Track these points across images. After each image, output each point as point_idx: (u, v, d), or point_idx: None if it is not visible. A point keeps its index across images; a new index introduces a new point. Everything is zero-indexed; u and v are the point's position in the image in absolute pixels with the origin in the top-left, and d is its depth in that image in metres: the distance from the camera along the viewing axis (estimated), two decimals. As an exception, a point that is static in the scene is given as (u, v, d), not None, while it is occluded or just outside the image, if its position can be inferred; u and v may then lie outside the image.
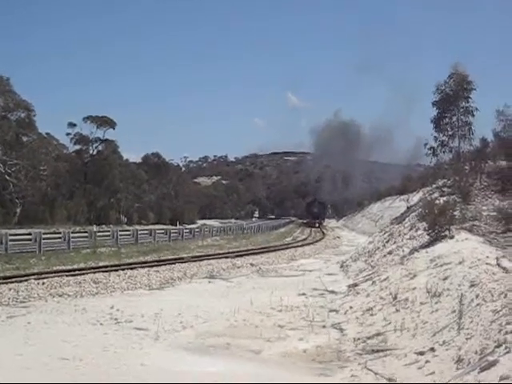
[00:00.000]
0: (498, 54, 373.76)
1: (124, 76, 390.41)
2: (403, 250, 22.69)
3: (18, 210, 73.06)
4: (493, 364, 7.92)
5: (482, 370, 7.97)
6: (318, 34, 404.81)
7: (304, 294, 19.37)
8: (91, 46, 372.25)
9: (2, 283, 20.67)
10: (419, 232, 23.96)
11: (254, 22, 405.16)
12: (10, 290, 19.50)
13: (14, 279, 21.75)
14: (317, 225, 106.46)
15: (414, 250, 20.57)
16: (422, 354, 10.10)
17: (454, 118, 32.62)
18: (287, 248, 46.03)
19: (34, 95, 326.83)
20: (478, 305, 10.94)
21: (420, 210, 25.39)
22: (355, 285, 19.57)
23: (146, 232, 53.12)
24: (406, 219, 30.82)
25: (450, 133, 32.64)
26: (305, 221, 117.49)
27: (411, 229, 26.62)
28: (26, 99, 76.65)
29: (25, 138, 76.46)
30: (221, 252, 38.68)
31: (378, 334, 12.24)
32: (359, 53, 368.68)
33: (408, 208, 35.63)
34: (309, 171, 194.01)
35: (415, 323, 12.03)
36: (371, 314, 14.36)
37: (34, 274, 23.13)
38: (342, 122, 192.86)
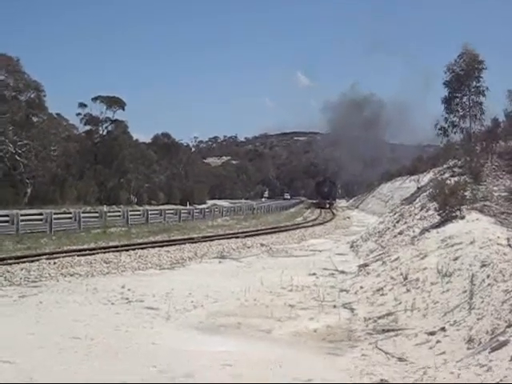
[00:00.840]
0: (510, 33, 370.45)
1: (134, 57, 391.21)
2: (414, 231, 22.64)
3: (29, 191, 73.38)
4: (504, 344, 7.94)
5: (493, 349, 8.00)
6: (330, 12, 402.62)
7: (314, 274, 19.38)
8: (101, 28, 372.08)
9: (14, 263, 20.76)
10: (430, 212, 23.90)
11: (265, 2, 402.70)
12: (22, 269, 19.58)
13: (25, 259, 21.83)
14: (327, 205, 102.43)
15: (424, 231, 20.53)
16: (432, 333, 10.12)
17: (465, 98, 32.42)
18: (297, 228, 46.13)
19: (44, 76, 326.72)
20: (489, 285, 10.94)
21: (431, 190, 25.31)
22: (365, 265, 19.57)
23: (156, 212, 53.27)
24: (417, 199, 30.73)
25: (461, 113, 32.46)
26: (314, 201, 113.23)
27: (422, 209, 26.55)
28: (36, 79, 76.78)
29: (35, 119, 76.66)
30: (231, 232, 38.73)
31: (389, 314, 12.25)
32: (372, 32, 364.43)
33: (418, 188, 35.50)
34: (320, 150, 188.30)
35: (426, 303, 12.04)
36: (382, 294, 14.36)
37: (45, 254, 23.22)
38: (361, 95, 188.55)
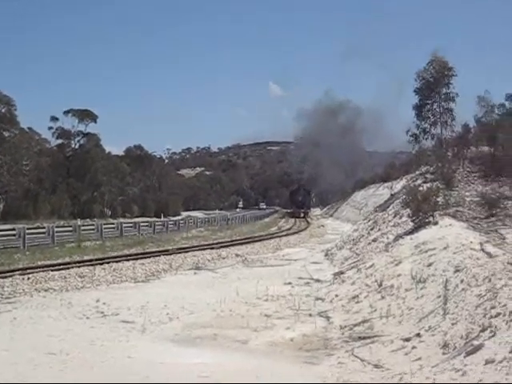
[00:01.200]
0: (478, 40, 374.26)
1: (105, 70, 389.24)
2: (388, 237, 22.76)
3: (1, 206, 72.86)
4: (478, 348, 7.98)
5: (468, 354, 8.04)
6: (303, 21, 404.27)
7: (290, 283, 19.41)
8: (73, 41, 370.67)
9: (-13, 279, 20.57)
10: (403, 219, 24.05)
11: (237, 12, 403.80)
12: (-5, 285, 19.42)
13: (-2, 275, 21.65)
14: (302, 215, 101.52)
15: (398, 237, 20.65)
16: (408, 340, 10.17)
17: (436, 105, 32.72)
18: (272, 238, 46.13)
19: (14, 90, 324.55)
20: (462, 290, 11.02)
21: (404, 196, 25.46)
22: (341, 273, 19.63)
23: (130, 225, 53.01)
24: (390, 206, 30.90)
25: (432, 120, 32.73)
26: (289, 210, 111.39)
27: (395, 216, 26.70)
28: (7, 94, 76.26)
29: (6, 133, 76.03)
30: (206, 243, 38.66)
31: (364, 321, 12.29)
32: (345, 41, 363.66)
33: (392, 195, 35.70)
34: (294, 159, 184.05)
35: (401, 310, 12.10)
36: (357, 302, 14.42)
37: (18, 270, 23.02)
38: (336, 102, 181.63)
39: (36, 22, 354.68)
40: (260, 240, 42.90)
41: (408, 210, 22.42)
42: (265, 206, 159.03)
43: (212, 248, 34.06)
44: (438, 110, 32.56)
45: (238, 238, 45.32)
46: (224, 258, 29.20)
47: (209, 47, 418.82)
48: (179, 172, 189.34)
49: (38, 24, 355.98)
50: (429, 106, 32.88)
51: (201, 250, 33.10)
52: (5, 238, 35.74)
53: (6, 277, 21.13)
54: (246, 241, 41.25)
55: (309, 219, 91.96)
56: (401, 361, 9.32)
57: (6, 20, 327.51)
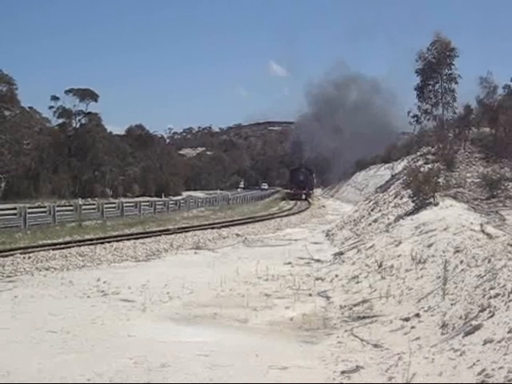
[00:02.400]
0: (480, 21, 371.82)
1: (106, 49, 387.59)
2: (388, 218, 22.81)
3: (2, 185, 72.85)
4: (477, 328, 8.02)
5: (467, 334, 8.07)
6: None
7: (290, 263, 19.46)
8: (73, 20, 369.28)
9: (-12, 258, 20.63)
10: (404, 200, 24.08)
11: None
12: (-4, 264, 19.48)
13: (-1, 254, 21.71)
14: (303, 196, 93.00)
15: (398, 218, 20.69)
16: (407, 320, 10.20)
17: (437, 86, 32.61)
18: (273, 218, 46.21)
19: (15, 69, 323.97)
20: (462, 270, 11.05)
21: (404, 177, 25.48)
22: (341, 253, 19.68)
23: (131, 204, 53.04)
24: (391, 187, 30.94)
25: (434, 100, 32.63)
26: (289, 191, 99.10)
27: (396, 197, 26.73)
28: (8, 73, 76.09)
29: (7, 113, 75.95)
30: (206, 223, 38.72)
31: (364, 302, 12.33)
32: (352, 19, 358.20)
33: (393, 176, 35.73)
34: (298, 134, 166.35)
35: (400, 290, 12.14)
36: (357, 282, 14.45)
37: (19, 249, 23.07)
38: (350, 75, 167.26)
39: (36, 1, 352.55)
40: (261, 220, 42.99)
41: (409, 190, 22.45)
42: (266, 187, 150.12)
43: (213, 228, 34.13)
44: (439, 90, 32.46)
45: (238, 217, 45.39)
46: (225, 238, 29.28)
47: (209, 26, 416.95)
48: (180, 152, 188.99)
49: (39, 2, 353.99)
50: (430, 87, 32.75)
51: (201, 229, 33.19)
52: (6, 217, 35.81)
53: (7, 256, 21.20)
54: (247, 221, 41.33)
55: (310, 200, 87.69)
56: (400, 341, 9.35)
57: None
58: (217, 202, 74.08)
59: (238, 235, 30.58)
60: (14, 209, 38.06)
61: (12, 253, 21.87)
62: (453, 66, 32.03)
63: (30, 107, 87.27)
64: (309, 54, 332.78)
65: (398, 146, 67.84)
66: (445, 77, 32.09)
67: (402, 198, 25.04)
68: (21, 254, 21.62)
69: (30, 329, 11.00)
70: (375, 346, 9.40)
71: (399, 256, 14.63)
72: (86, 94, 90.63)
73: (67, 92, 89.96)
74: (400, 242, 16.10)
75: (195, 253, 23.82)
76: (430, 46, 32.33)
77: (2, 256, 21.12)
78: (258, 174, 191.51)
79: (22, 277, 17.61)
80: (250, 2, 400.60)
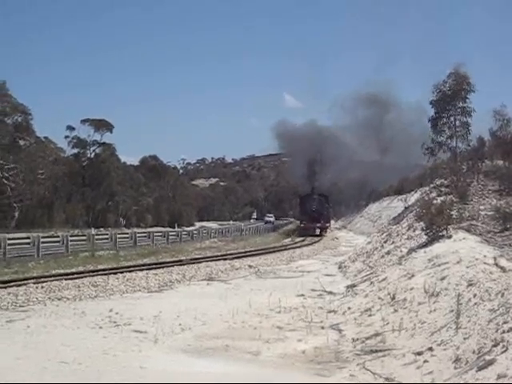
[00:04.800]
0: (493, 53, 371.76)
1: (121, 79, 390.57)
2: (401, 250, 22.72)
3: (16, 214, 73.03)
4: (490, 363, 7.97)
5: (480, 368, 8.02)
6: (326, 32, 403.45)
7: (302, 295, 19.41)
8: (88, 49, 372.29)
9: (1, 287, 20.68)
10: (417, 232, 24.00)
11: (249, 21, 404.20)
12: (9, 294, 19.53)
13: (12, 283, 21.76)
14: (317, 231, 74.62)
15: (411, 250, 20.61)
16: (420, 353, 10.14)
17: (452, 118, 32.61)
18: (285, 249, 46.11)
19: (31, 99, 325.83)
20: (475, 304, 10.99)
21: (417, 209, 25.42)
22: (353, 285, 19.61)
23: (144, 235, 53.17)
24: (404, 219, 30.87)
25: (448, 133, 32.63)
26: (300, 225, 79.18)
27: (409, 229, 26.66)
28: (23, 103, 76.67)
29: (22, 142, 76.39)
30: (219, 254, 38.72)
31: (377, 335, 12.27)
32: (374, 51, 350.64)
33: (406, 208, 35.66)
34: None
35: (413, 323, 12.07)
36: (369, 315, 14.39)
37: (32, 278, 23.15)
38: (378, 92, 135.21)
39: (50, 31, 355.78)
40: (273, 251, 42.91)
41: (422, 223, 22.37)
42: (272, 219, 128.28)
43: (225, 259, 34.10)
44: (453, 123, 32.46)
45: (251, 249, 45.34)
46: (237, 269, 29.23)
47: (223, 56, 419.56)
48: (194, 182, 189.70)
49: (54, 31, 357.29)
50: (445, 119, 32.77)
51: (214, 260, 33.17)
52: (19, 246, 36.00)
53: (20, 285, 21.27)
54: (260, 252, 41.26)
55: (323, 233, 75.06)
56: (412, 374, 9.30)
57: (19, 29, 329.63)
58: (229, 232, 74.06)
59: (250, 266, 30.53)
60: (28, 238, 38.26)
61: (25, 282, 21.96)
62: (467, 100, 32.04)
63: (45, 137, 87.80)
64: (329, 83, 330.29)
65: (410, 177, 67.75)
66: (459, 110, 32.10)
67: (414, 231, 24.96)
68: (34, 283, 21.68)
69: (41, 359, 11.00)
70: (387, 379, 9.35)
71: (412, 289, 14.56)
72: (102, 125, 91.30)
73: (83, 122, 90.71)
74: (413, 275, 16.04)
75: (208, 284, 23.80)
76: (446, 78, 32.38)
77: (16, 285, 21.19)
78: (270, 205, 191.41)
79: (34, 306, 17.64)
80: (262, 33, 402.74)
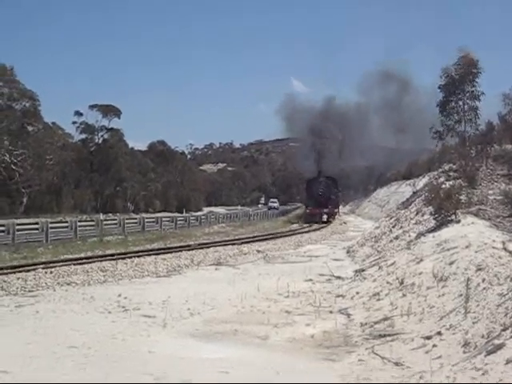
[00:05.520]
0: (505, 36, 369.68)
1: (129, 64, 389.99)
2: (409, 235, 22.69)
3: (25, 200, 73.29)
4: (499, 347, 7.97)
5: (489, 353, 8.02)
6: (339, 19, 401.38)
7: (311, 280, 19.40)
8: (95, 34, 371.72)
9: (10, 272, 20.76)
10: (425, 217, 23.95)
11: (262, 8, 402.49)
12: (18, 279, 19.59)
13: (21, 268, 21.81)
14: (324, 217, 68.30)
15: (420, 235, 20.58)
16: (429, 338, 10.14)
17: (460, 102, 32.44)
18: (293, 234, 46.13)
19: (38, 84, 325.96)
20: (484, 289, 10.98)
21: (426, 194, 25.38)
22: (362, 270, 19.60)
23: (152, 220, 53.23)
24: (412, 204, 30.79)
25: (457, 117, 32.47)
26: (306, 210, 73.23)
27: (417, 213, 26.60)
28: (31, 89, 76.74)
29: (30, 128, 76.56)
30: (227, 239, 38.73)
31: (385, 319, 12.27)
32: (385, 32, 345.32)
33: (414, 193, 35.58)
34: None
35: (422, 308, 12.07)
36: (378, 299, 14.39)
37: (41, 263, 23.20)
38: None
39: (58, 16, 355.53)
40: (281, 236, 42.92)
41: (430, 207, 22.32)
42: (276, 204, 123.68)
43: (233, 244, 34.11)
44: (462, 107, 32.30)
45: (259, 234, 45.38)
46: (245, 254, 29.24)
47: (231, 42, 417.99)
48: (201, 167, 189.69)
49: (61, 17, 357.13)
50: (453, 104, 32.61)
51: (222, 245, 33.17)
52: (28, 231, 36.06)
53: (28, 270, 21.32)
54: (268, 237, 41.27)
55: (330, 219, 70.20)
56: (421, 359, 9.30)
57: (27, 15, 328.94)
58: (238, 217, 74.07)
59: (258, 251, 30.53)
60: (36, 223, 38.33)
61: (34, 267, 22.00)
62: (476, 84, 31.87)
63: (53, 123, 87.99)
64: (340, 69, 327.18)
65: (419, 162, 67.49)
66: (467, 94, 31.94)
67: (423, 215, 24.91)
68: (43, 268, 21.73)
69: (51, 344, 11.03)
70: (396, 364, 9.35)
71: (421, 273, 14.54)
72: (109, 110, 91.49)
73: (91, 107, 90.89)
74: (421, 260, 16.01)
75: (216, 269, 23.81)
76: (456, 61, 32.20)
77: (25, 271, 21.25)
78: (278, 190, 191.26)
79: (43, 291, 17.69)
80: (272, 20, 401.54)
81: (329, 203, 71.33)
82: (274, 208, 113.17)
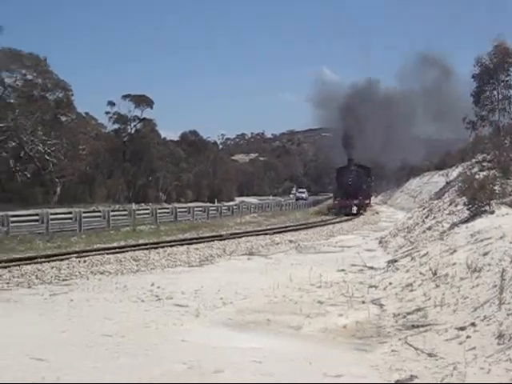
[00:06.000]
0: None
1: (161, 53, 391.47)
2: (443, 226, 22.54)
3: (58, 190, 73.97)
4: (534, 339, 7.90)
5: (524, 345, 7.96)
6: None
7: (343, 270, 19.35)
8: (127, 23, 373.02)
9: (45, 261, 20.97)
10: (459, 207, 23.77)
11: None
12: (53, 268, 19.80)
13: (55, 258, 22.04)
14: (354, 209, 63.91)
15: (453, 226, 20.42)
16: (462, 329, 10.07)
17: (495, 92, 32.17)
18: (325, 224, 46.11)
19: (71, 75, 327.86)
20: (519, 280, 10.88)
21: (459, 184, 25.18)
22: (394, 260, 19.51)
23: (184, 210, 53.45)
24: (446, 194, 30.59)
25: (490, 107, 32.19)
26: (334, 201, 69.41)
27: (450, 204, 26.42)
28: (64, 79, 77.30)
29: (63, 118, 77.15)
30: (259, 229, 38.81)
31: (418, 310, 12.20)
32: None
33: (447, 183, 35.34)
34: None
35: (455, 298, 11.98)
36: (411, 290, 14.31)
37: (75, 253, 23.42)
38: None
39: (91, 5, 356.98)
40: (313, 226, 42.94)
41: (464, 198, 22.13)
42: (305, 195, 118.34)
43: (265, 234, 34.17)
44: (496, 97, 32.01)
45: (291, 224, 45.37)
46: (277, 244, 29.27)
47: (262, 32, 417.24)
48: (233, 157, 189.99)
49: (94, 7, 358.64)
50: (487, 93, 32.33)
51: (254, 235, 33.23)
52: (62, 221, 36.42)
53: (62, 259, 21.54)
54: (299, 227, 41.30)
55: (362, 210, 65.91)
56: (455, 350, 9.24)
57: (59, 5, 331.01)
58: (269, 207, 74.12)
59: (290, 241, 30.54)
60: (70, 213, 38.69)
61: (68, 256, 22.23)
62: (511, 73, 31.56)
63: (86, 113, 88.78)
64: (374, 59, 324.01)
65: (452, 152, 66.95)
66: (502, 83, 31.64)
67: (456, 206, 24.73)
68: (76, 257, 21.95)
69: (85, 332, 11.13)
70: (430, 355, 9.30)
71: (454, 264, 14.43)
72: (142, 100, 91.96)
73: (123, 97, 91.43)
74: (455, 250, 15.89)
75: (248, 259, 23.85)
76: (491, 50, 31.87)
77: (59, 260, 21.47)
78: (310, 180, 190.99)
79: (77, 280, 17.85)
80: (301, 5, 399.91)
81: (359, 194, 65.76)
82: (302, 199, 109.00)
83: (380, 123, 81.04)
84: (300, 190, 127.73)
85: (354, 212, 62.71)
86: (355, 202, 64.51)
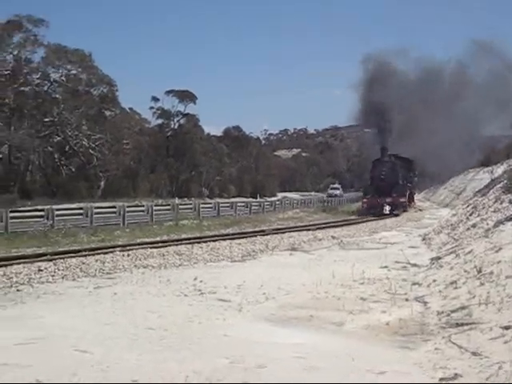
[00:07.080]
0: None
1: (205, 49, 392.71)
2: (487, 223, 22.28)
3: (102, 184, 74.71)
4: None
5: None
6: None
7: (386, 267, 19.22)
8: (172, 19, 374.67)
9: (89, 255, 21.24)
10: (504, 204, 23.49)
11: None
12: (97, 261, 20.03)
13: (99, 251, 22.32)
14: (387, 209, 55.35)
15: (498, 223, 20.18)
16: (508, 328, 9.95)
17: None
18: (368, 221, 45.94)
19: (116, 70, 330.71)
20: None
21: (505, 182, 24.89)
22: (438, 258, 19.34)
23: (227, 205, 53.68)
24: (490, 191, 30.24)
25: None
26: (363, 199, 59.77)
27: (496, 201, 26.11)
28: (108, 74, 78.04)
29: (108, 113, 77.91)
30: (302, 224, 38.84)
31: (463, 308, 12.08)
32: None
33: (492, 180, 34.97)
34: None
35: (501, 297, 11.83)
36: (455, 288, 14.17)
37: (118, 246, 23.70)
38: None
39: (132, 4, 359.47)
40: (355, 223, 42.87)
41: (509, 195, 21.91)
42: (338, 192, 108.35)
43: (308, 229, 34.17)
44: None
45: (333, 220, 45.29)
46: (320, 240, 29.21)
47: (304, 28, 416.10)
48: (276, 153, 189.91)
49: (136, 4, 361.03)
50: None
51: (297, 231, 33.25)
52: (105, 215, 36.85)
53: (106, 253, 21.80)
54: (342, 223, 41.23)
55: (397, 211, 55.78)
56: (500, 349, 9.12)
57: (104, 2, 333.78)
58: (312, 203, 74.03)
59: (333, 237, 30.46)
60: (113, 207, 39.11)
61: (112, 250, 22.49)
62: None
63: (130, 108, 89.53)
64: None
65: (497, 149, 66.13)
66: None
67: (502, 203, 24.43)
68: (120, 251, 22.19)
69: (128, 325, 11.22)
70: (474, 353, 9.20)
71: (499, 262, 14.26)
72: (185, 96, 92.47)
73: (167, 93, 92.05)
74: (500, 248, 15.71)
75: (290, 254, 23.82)
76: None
77: (103, 253, 21.73)
78: (353, 176, 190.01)
79: (121, 274, 18.02)
80: (349, 9, 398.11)
81: (393, 191, 56.14)
82: (336, 196, 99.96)
83: (440, 115, 67.03)
84: (332, 186, 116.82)
85: (387, 212, 54.39)
86: (388, 200, 55.72)
